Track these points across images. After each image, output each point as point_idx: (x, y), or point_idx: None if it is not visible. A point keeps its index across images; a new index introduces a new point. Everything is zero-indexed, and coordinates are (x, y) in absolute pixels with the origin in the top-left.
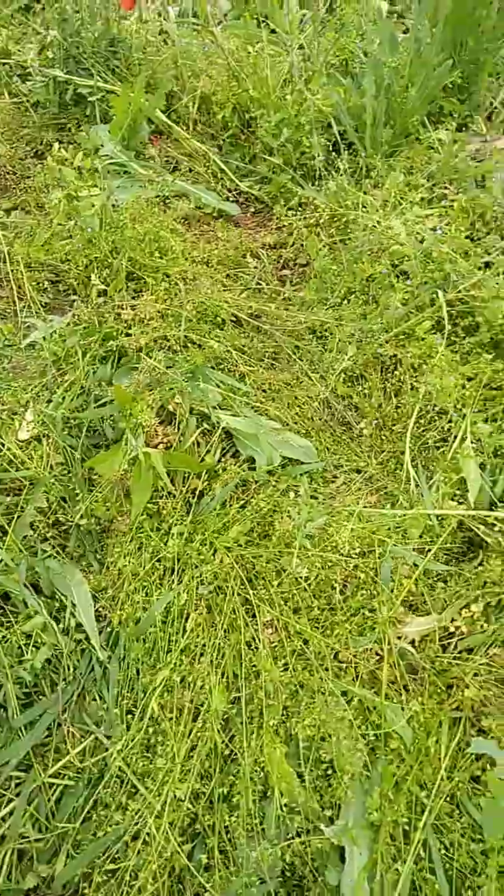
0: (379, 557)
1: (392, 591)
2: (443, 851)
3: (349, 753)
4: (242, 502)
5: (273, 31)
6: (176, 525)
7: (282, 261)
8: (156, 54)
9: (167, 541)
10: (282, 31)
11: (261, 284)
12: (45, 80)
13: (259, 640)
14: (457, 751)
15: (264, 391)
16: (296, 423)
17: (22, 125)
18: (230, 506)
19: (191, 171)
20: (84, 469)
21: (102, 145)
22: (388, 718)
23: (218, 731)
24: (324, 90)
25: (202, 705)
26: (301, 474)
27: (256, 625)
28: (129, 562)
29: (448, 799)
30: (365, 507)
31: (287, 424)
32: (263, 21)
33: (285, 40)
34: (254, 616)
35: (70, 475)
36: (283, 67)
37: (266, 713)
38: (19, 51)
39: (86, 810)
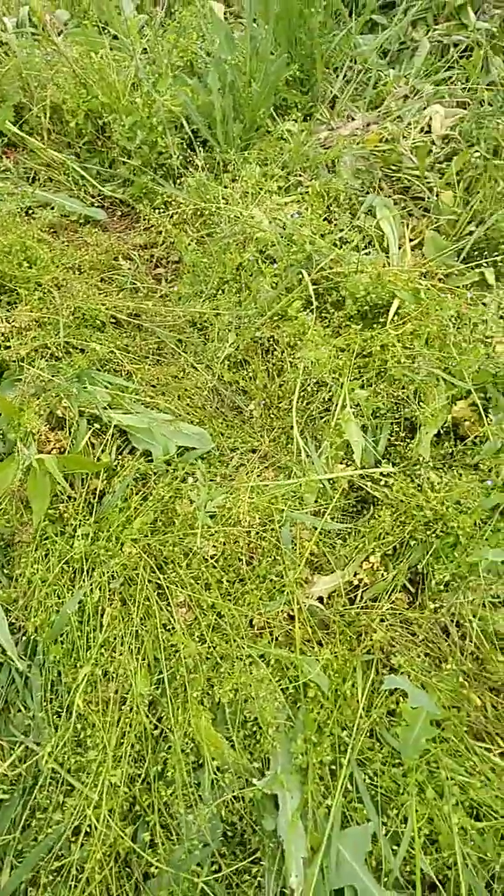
0: (280, 526)
1: (295, 554)
2: (367, 781)
3: (271, 709)
4: (144, 495)
5: (115, 38)
6: (80, 527)
7: (154, 260)
8: None
9: (73, 543)
10: (122, 37)
11: (136, 285)
12: None
13: (174, 620)
14: (372, 690)
15: (153, 386)
16: (187, 413)
17: None
18: (132, 500)
19: (51, 180)
20: None
21: None
22: (305, 671)
23: (146, 713)
24: (171, 91)
25: (127, 693)
26: (197, 459)
27: (170, 607)
28: (38, 569)
29: (368, 735)
30: (261, 482)
31: (179, 416)
32: (104, 28)
33: (128, 45)
34: (167, 600)
35: None
36: (129, 72)
37: (189, 687)
38: None
39: (24, 818)
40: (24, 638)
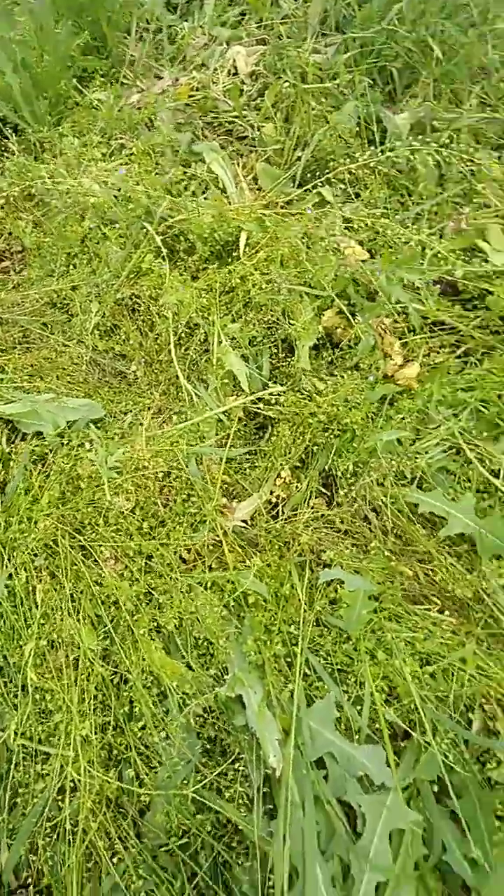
0: (185, 464)
1: (208, 485)
2: (323, 662)
3: (217, 623)
4: (45, 473)
5: None
6: None
7: None
8: None
9: None
10: None
11: None
12: None
13: (104, 572)
14: (310, 588)
15: (30, 374)
16: (70, 391)
17: None
18: (34, 480)
19: None
20: None
21: None
22: (240, 582)
23: (100, 664)
24: None
25: (78, 654)
26: (89, 423)
27: (98, 564)
28: None
29: (315, 625)
30: (158, 430)
31: (62, 394)
32: None
33: None
34: (94, 559)
35: None
36: None
37: (136, 627)
38: None
39: (8, 799)
40: None
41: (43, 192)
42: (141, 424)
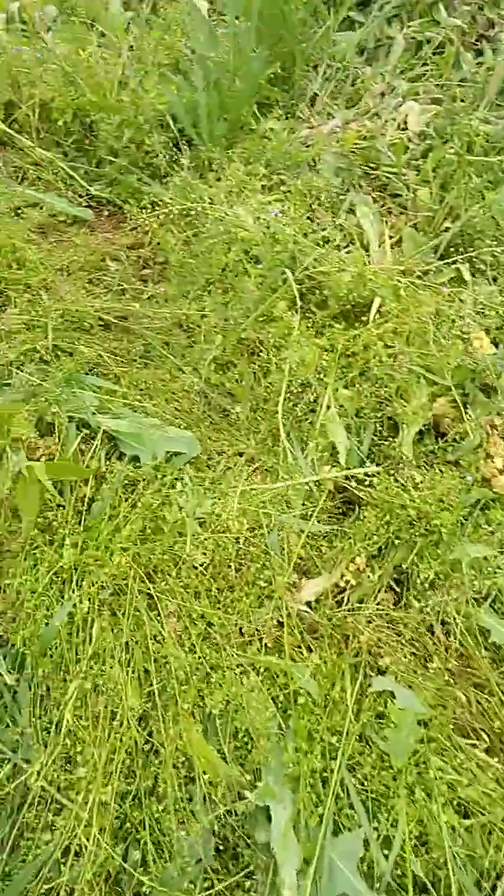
0: (268, 531)
1: (283, 558)
2: (358, 786)
3: (262, 718)
4: (132, 502)
5: (103, 34)
6: (69, 536)
7: (141, 261)
8: None
9: (62, 553)
10: (110, 34)
11: (123, 287)
12: None
13: (164, 631)
14: (360, 694)
15: (141, 390)
16: (175, 416)
17: None
18: (120, 507)
19: (39, 179)
20: None
21: None
22: (295, 678)
23: (136, 728)
24: (157, 89)
25: (118, 707)
26: (185, 464)
27: (160, 617)
28: (26, 580)
29: (358, 739)
30: (249, 486)
31: (167, 419)
32: (91, 25)
33: (115, 42)
34: (157, 610)
35: None
36: (116, 70)
37: (180, 699)
38: None
39: (12, 838)
40: (12, 651)
41: (199, 211)
42: (234, 477)
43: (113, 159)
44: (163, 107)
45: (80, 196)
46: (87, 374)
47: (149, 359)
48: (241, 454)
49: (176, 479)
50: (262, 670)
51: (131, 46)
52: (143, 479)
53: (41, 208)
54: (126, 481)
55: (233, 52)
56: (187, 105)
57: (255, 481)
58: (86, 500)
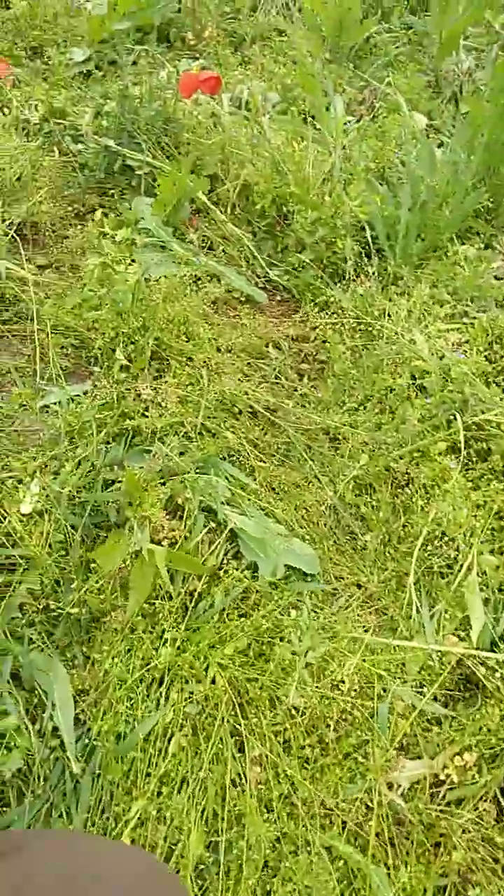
0: (378, 697)
1: (386, 734)
2: None
3: None
4: (241, 612)
5: (318, 129)
6: (169, 630)
7: (302, 354)
8: (205, 137)
9: (159, 647)
10: (326, 133)
11: (279, 378)
12: (97, 148)
13: (245, 777)
14: None
15: (273, 489)
16: (301, 526)
17: (67, 184)
18: (228, 615)
19: (224, 252)
20: (83, 551)
21: (143, 218)
22: (373, 885)
23: (191, 877)
24: (362, 196)
25: (177, 843)
26: (302, 592)
27: (244, 758)
28: (117, 664)
29: None
30: (365, 628)
31: (293, 528)
32: (309, 119)
33: (329, 142)
34: (242, 749)
35: (68, 557)
36: (324, 167)
37: (245, 867)
38: (75, 112)
39: None
40: (86, 735)
41: (374, 325)
42: (350, 618)
43: (299, 251)
44: (363, 215)
45: (258, 277)
46: (224, 458)
47: (287, 458)
48: (360, 586)
49: (291, 605)
50: (338, 861)
51: (344, 146)
52: (257, 591)
53: (219, 281)
54: (240, 589)
55: (449, 179)
56: (387, 219)
57: (370, 621)
58: (195, 594)
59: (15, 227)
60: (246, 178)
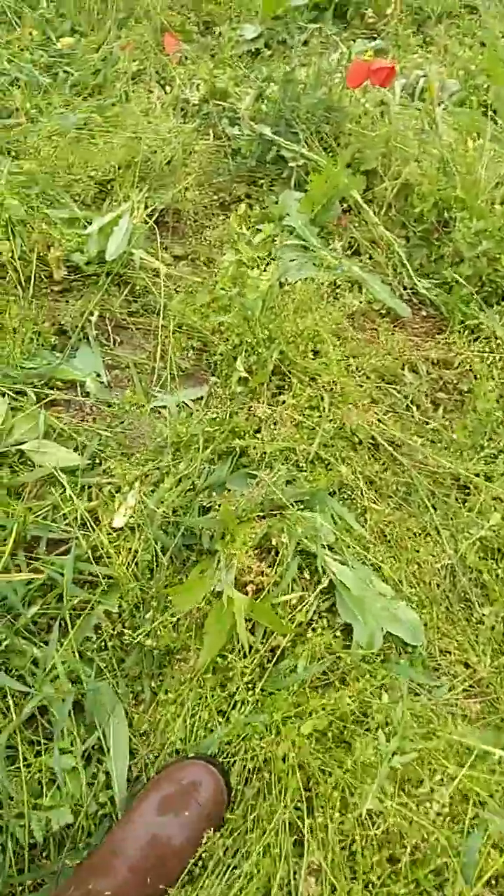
0: (471, 826)
1: (474, 867)
2: None
3: None
4: (326, 681)
5: (498, 125)
6: (242, 692)
7: (441, 382)
8: (369, 128)
9: (227, 711)
10: None
11: (411, 406)
12: (252, 135)
13: (298, 891)
14: None
15: (384, 535)
16: (411, 585)
17: (217, 171)
18: (310, 684)
19: (370, 258)
20: (168, 574)
21: (288, 214)
22: None
23: None
24: None
25: None
26: (400, 676)
27: (299, 865)
28: (180, 714)
29: None
30: (465, 716)
31: (400, 586)
32: (491, 112)
33: None
34: (301, 853)
35: (152, 581)
36: (499, 170)
37: None
38: (237, 94)
39: None
40: (139, 780)
41: None
42: (451, 712)
43: (456, 264)
44: None
45: (404, 288)
46: (333, 493)
47: (406, 502)
48: (467, 665)
49: (384, 686)
50: None
51: None
52: (349, 661)
53: (360, 290)
54: (329, 659)
55: None
56: None
57: (472, 711)
58: (276, 651)
59: (157, 214)
60: (407, 177)
